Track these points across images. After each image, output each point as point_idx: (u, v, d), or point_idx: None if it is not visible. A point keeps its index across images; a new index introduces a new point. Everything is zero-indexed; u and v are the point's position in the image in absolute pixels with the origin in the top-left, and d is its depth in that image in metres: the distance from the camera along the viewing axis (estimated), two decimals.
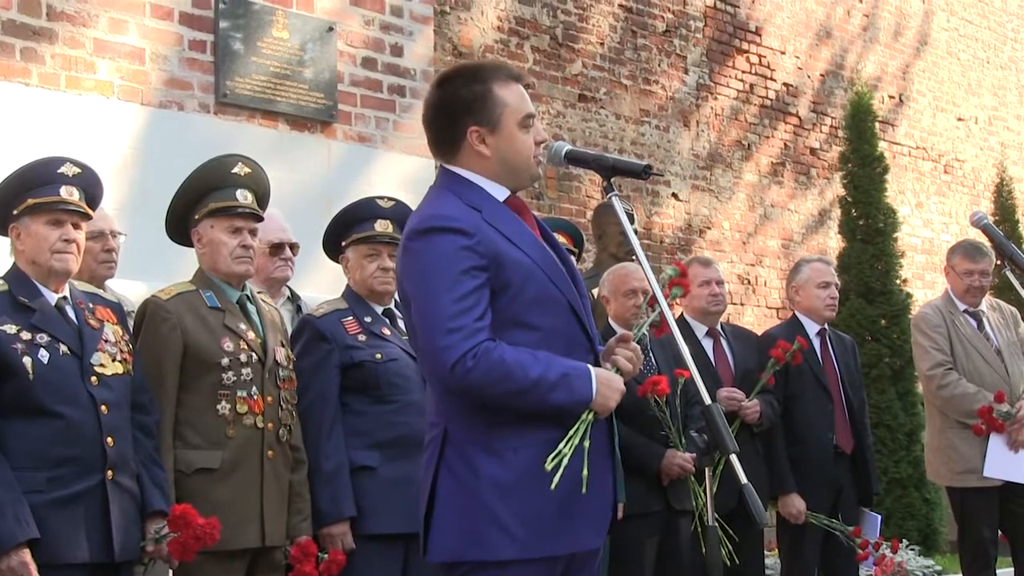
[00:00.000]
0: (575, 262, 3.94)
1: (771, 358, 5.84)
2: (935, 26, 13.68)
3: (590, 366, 3.14)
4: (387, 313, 4.63)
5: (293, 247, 5.12)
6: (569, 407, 3.09)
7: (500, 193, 3.25)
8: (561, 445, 3.06)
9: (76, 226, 3.84)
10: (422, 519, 3.17)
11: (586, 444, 3.08)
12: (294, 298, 5.25)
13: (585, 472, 3.07)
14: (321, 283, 5.95)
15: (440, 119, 3.28)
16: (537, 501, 3.04)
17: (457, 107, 3.23)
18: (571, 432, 3.08)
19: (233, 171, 4.29)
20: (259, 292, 4.47)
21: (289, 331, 4.60)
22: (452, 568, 3.12)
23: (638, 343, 3.31)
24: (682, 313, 6.03)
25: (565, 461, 3.04)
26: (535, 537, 3.05)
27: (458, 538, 3.09)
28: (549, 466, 3.02)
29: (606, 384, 3.13)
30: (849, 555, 5.90)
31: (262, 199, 4.39)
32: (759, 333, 6.52)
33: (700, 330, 5.95)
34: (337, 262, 4.82)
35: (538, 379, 3.04)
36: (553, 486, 3.01)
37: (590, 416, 3.12)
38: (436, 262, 3.08)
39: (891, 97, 12.99)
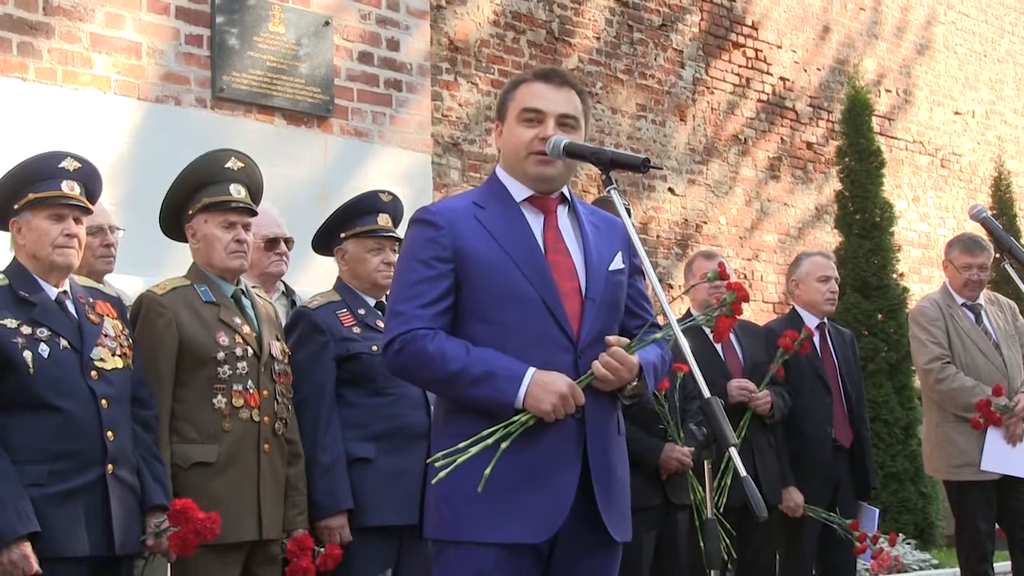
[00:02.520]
0: None
1: (780, 348, 5.83)
2: (933, 20, 13.68)
3: (533, 369, 3.09)
4: (379, 306, 4.62)
5: (288, 242, 5.11)
6: (491, 405, 3.10)
7: (520, 192, 3.30)
8: (464, 443, 3.06)
9: (77, 221, 3.83)
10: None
11: (502, 446, 3.05)
12: (289, 293, 5.25)
13: (488, 471, 3.04)
14: (316, 278, 5.94)
15: None
16: (470, 487, 3.06)
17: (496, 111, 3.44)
18: (485, 431, 3.06)
19: (226, 166, 4.28)
20: (253, 287, 4.46)
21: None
22: (430, 544, 3.26)
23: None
24: (689, 308, 6.02)
25: (462, 458, 3.03)
26: (462, 522, 3.11)
27: (427, 516, 3.24)
28: (440, 463, 3.04)
29: (541, 387, 3.07)
30: (847, 548, 5.90)
31: (255, 194, 4.38)
32: None
33: None
34: (327, 255, 4.81)
35: (458, 373, 3.10)
36: (434, 481, 3.06)
37: (525, 418, 3.08)
38: (405, 250, 3.28)
39: (888, 91, 12.99)
